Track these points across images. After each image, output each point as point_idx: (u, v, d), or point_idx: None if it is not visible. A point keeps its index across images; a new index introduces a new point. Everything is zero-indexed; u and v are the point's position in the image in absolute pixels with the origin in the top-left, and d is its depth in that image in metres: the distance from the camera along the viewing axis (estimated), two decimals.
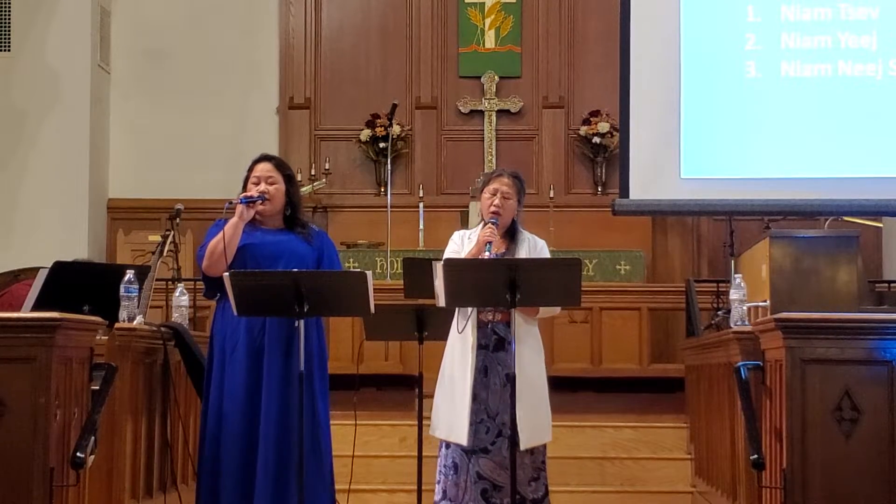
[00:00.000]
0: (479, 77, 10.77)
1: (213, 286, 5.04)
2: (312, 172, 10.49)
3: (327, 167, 10.51)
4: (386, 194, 10.09)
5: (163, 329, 5.40)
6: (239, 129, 10.67)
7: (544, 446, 5.24)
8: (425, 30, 10.83)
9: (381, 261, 9.52)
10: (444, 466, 5.22)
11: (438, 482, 5.25)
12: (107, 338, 4.85)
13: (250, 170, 5.13)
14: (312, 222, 5.37)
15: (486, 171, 9.87)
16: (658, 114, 7.26)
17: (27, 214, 10.06)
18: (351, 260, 9.45)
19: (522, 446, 5.08)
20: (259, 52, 10.85)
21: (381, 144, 10.40)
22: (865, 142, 7.14)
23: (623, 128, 7.39)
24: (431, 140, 10.77)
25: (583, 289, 4.91)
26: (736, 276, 5.65)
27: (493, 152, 10.64)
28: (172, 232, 6.58)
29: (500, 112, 10.74)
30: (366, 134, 10.53)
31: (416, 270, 6.26)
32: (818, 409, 4.26)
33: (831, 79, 7.16)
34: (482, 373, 5.17)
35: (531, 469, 5.19)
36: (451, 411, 5.16)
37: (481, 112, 10.76)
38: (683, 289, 7.81)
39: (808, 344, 4.28)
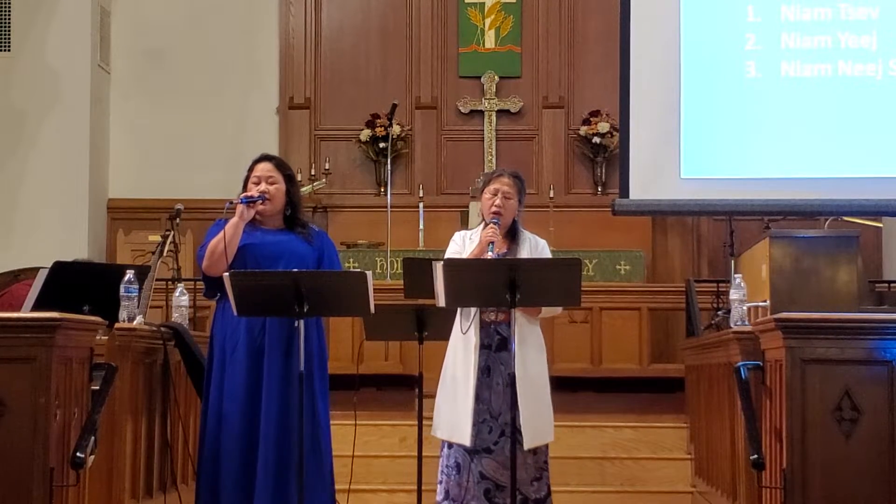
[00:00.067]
0: (479, 77, 10.77)
1: (213, 286, 5.04)
2: (312, 172, 10.49)
3: (327, 167, 10.51)
4: (386, 194, 10.09)
5: (163, 329, 5.40)
6: (239, 129, 10.67)
7: (546, 446, 5.24)
8: (425, 30, 10.83)
9: (381, 261, 9.52)
10: (447, 467, 5.22)
11: (440, 482, 5.25)
12: (107, 338, 4.85)
13: (250, 170, 5.13)
14: (312, 222, 5.37)
15: (486, 171, 9.87)
16: (658, 114, 7.26)
17: (27, 214, 10.06)
18: (351, 260, 9.45)
19: (526, 446, 5.09)
20: (259, 52, 10.85)
21: (381, 144, 10.40)
22: (865, 142, 7.14)
23: (623, 128, 7.39)
24: (431, 140, 10.77)
25: (583, 289, 4.91)
26: (736, 276, 5.65)
27: (493, 152, 10.64)
28: (172, 232, 6.58)
29: (500, 112, 10.74)
30: (366, 134, 10.53)
31: (416, 270, 6.26)
32: (818, 409, 4.26)
33: (831, 79, 7.16)
34: (485, 373, 5.17)
35: (534, 469, 5.18)
36: (454, 412, 5.16)
37: (481, 112, 10.76)
38: (683, 289, 7.81)
39: (808, 344, 4.28)
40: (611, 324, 8.54)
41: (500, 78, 10.75)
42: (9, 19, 10.17)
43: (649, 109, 7.28)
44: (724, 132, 7.26)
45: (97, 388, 4.53)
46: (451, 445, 5.21)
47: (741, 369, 4.80)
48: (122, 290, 5.03)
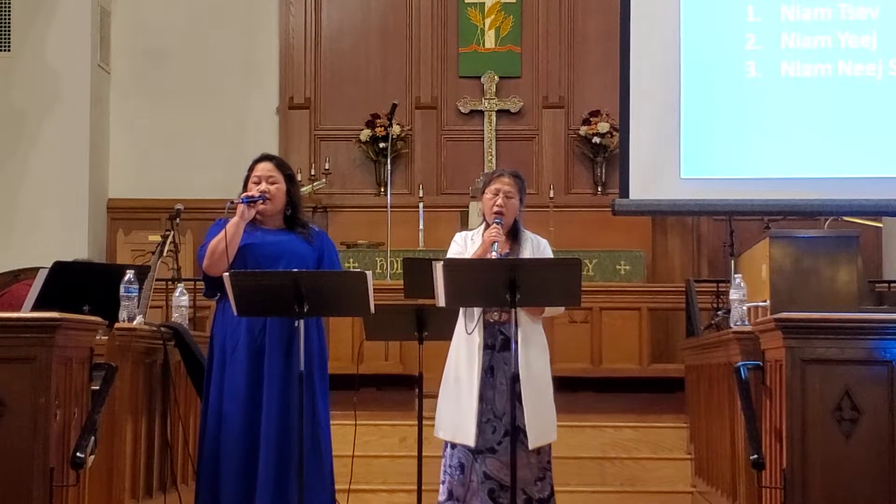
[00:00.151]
0: (479, 77, 10.78)
1: (213, 286, 5.04)
2: (312, 172, 10.49)
3: (327, 167, 10.51)
4: (386, 194, 10.09)
5: (163, 329, 5.40)
6: (239, 129, 10.67)
7: (549, 446, 5.24)
8: (425, 30, 10.83)
9: (381, 261, 9.52)
10: (450, 467, 5.21)
11: (443, 482, 5.24)
12: (107, 338, 4.85)
13: (251, 169, 5.13)
14: (312, 222, 5.37)
15: (486, 171, 9.87)
16: (658, 114, 7.26)
17: (27, 214, 10.07)
18: (351, 260, 9.45)
19: (531, 446, 5.09)
20: (259, 52, 10.86)
21: (381, 144, 10.40)
22: (865, 142, 7.14)
23: (623, 128, 7.39)
24: (431, 140, 10.77)
25: (583, 289, 4.91)
26: (736, 276, 5.65)
27: (493, 152, 10.64)
28: (172, 232, 6.58)
29: (500, 112, 10.74)
30: (366, 134, 10.53)
31: (416, 270, 6.26)
32: (818, 409, 4.26)
33: (831, 79, 7.16)
34: (488, 373, 5.17)
35: (537, 469, 5.18)
36: (457, 412, 5.15)
37: (481, 112, 10.76)
38: (683, 289, 7.81)
39: (808, 344, 4.28)
40: (611, 324, 8.54)
41: (500, 78, 10.75)
42: (9, 19, 10.17)
43: (649, 109, 7.28)
44: (724, 132, 7.26)
45: (97, 388, 4.52)
46: (454, 445, 5.20)
47: (741, 369, 4.80)
48: (122, 290, 5.03)
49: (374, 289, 4.71)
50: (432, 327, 5.46)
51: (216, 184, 9.55)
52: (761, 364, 4.73)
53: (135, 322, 5.04)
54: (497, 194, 5.24)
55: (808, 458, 4.25)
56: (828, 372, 4.27)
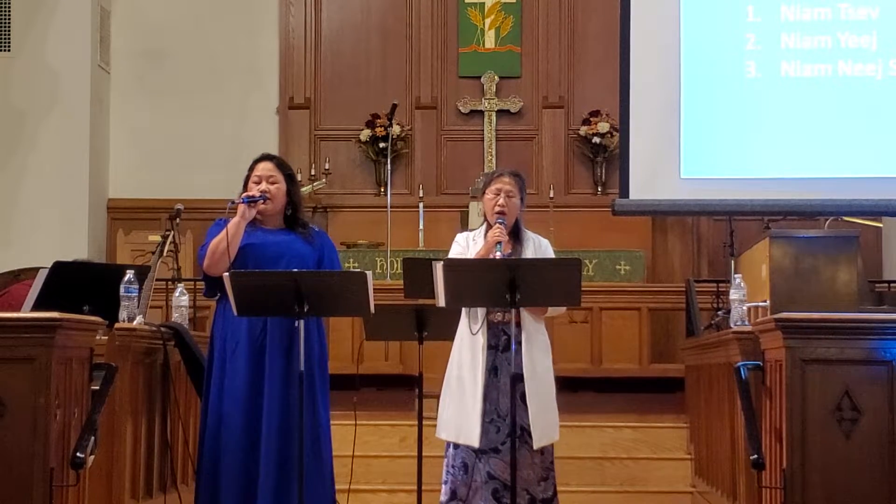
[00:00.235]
0: (479, 77, 10.78)
1: (213, 286, 5.04)
2: (312, 172, 10.49)
3: (327, 167, 10.51)
4: (386, 194, 10.09)
5: (163, 329, 5.40)
6: (239, 129, 10.67)
7: (552, 446, 5.24)
8: (425, 30, 10.84)
9: (381, 261, 9.52)
10: (453, 467, 5.21)
11: (446, 482, 5.23)
12: (107, 338, 4.85)
13: (251, 169, 5.13)
14: (313, 222, 5.37)
15: (486, 171, 9.88)
16: (658, 114, 7.26)
17: (27, 214, 10.07)
18: (351, 260, 9.45)
19: (535, 445, 5.10)
20: (259, 52, 10.86)
21: (381, 144, 10.40)
22: (865, 142, 7.14)
23: (623, 128, 7.39)
24: (431, 140, 10.77)
25: (583, 289, 4.91)
26: (736, 276, 5.65)
27: (493, 152, 10.64)
28: (172, 232, 6.58)
29: (500, 112, 10.74)
30: (366, 134, 10.53)
31: (416, 270, 6.26)
32: (818, 409, 4.26)
33: (831, 79, 7.15)
34: (492, 373, 5.17)
35: (541, 469, 5.18)
36: (461, 412, 5.15)
37: (481, 112, 10.76)
38: (683, 289, 7.81)
39: (808, 344, 4.28)
40: (611, 324, 8.54)
41: (500, 78, 10.75)
42: (9, 19, 10.17)
43: (649, 109, 7.28)
44: (724, 132, 7.26)
45: (97, 388, 4.52)
46: (456, 446, 5.20)
47: (741, 369, 4.80)
48: (122, 290, 5.03)
49: (374, 289, 4.71)
50: (432, 327, 5.45)
51: (216, 184, 9.55)
52: (761, 364, 4.73)
53: (135, 322, 5.04)
54: (498, 194, 5.24)
55: (808, 458, 4.25)
56: (828, 372, 4.27)
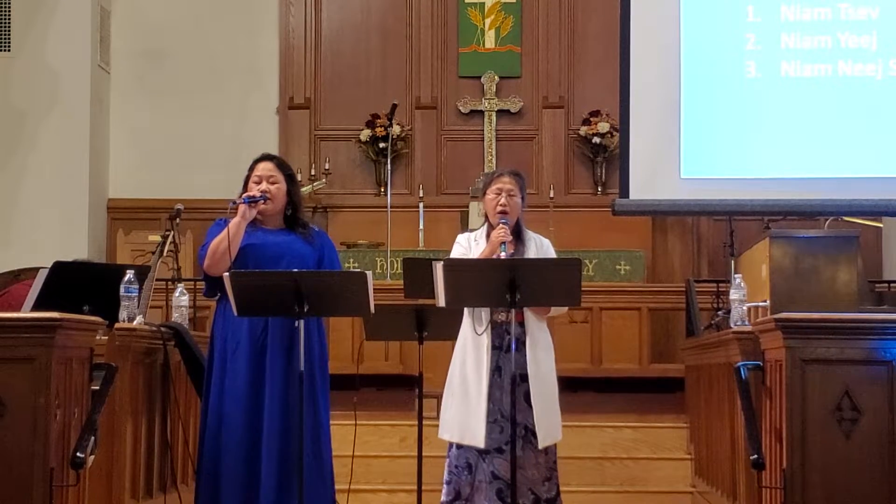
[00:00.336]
0: (479, 77, 10.78)
1: (213, 286, 5.04)
2: (312, 172, 10.49)
3: (327, 167, 10.51)
4: (386, 194, 10.10)
5: (163, 329, 5.40)
6: (239, 129, 10.67)
7: (555, 446, 5.24)
8: (425, 30, 10.84)
9: (381, 261, 9.52)
10: (456, 467, 5.20)
11: (448, 482, 5.22)
12: (107, 338, 4.85)
13: (251, 169, 5.13)
14: (313, 222, 5.37)
15: (486, 171, 9.88)
16: (658, 114, 7.26)
17: (27, 214, 10.07)
18: (351, 260, 9.45)
19: (540, 445, 5.10)
20: (259, 52, 10.86)
21: (381, 144, 10.40)
22: (865, 142, 7.14)
23: (623, 128, 7.39)
24: (431, 140, 10.77)
25: (583, 289, 4.91)
26: (736, 276, 5.65)
27: (493, 152, 10.64)
28: (172, 232, 6.58)
29: (500, 112, 10.74)
30: (366, 134, 10.53)
31: (416, 270, 6.27)
32: (818, 409, 4.26)
33: (831, 79, 7.15)
34: (496, 373, 5.16)
35: (545, 468, 5.18)
36: (465, 413, 5.14)
37: (481, 112, 10.76)
38: (683, 289, 7.81)
39: (808, 344, 4.28)
40: (611, 324, 8.54)
41: (500, 78, 10.75)
42: (9, 19, 10.17)
43: (649, 109, 7.28)
44: (724, 132, 7.26)
45: (97, 388, 4.52)
46: (459, 446, 5.19)
47: (741, 369, 4.80)
48: (122, 290, 5.03)
49: (374, 289, 4.71)
50: (432, 327, 5.46)
51: (216, 184, 9.55)
52: (761, 364, 4.73)
53: (135, 322, 5.04)
54: (499, 194, 5.23)
55: (808, 458, 4.25)
56: (828, 372, 4.27)
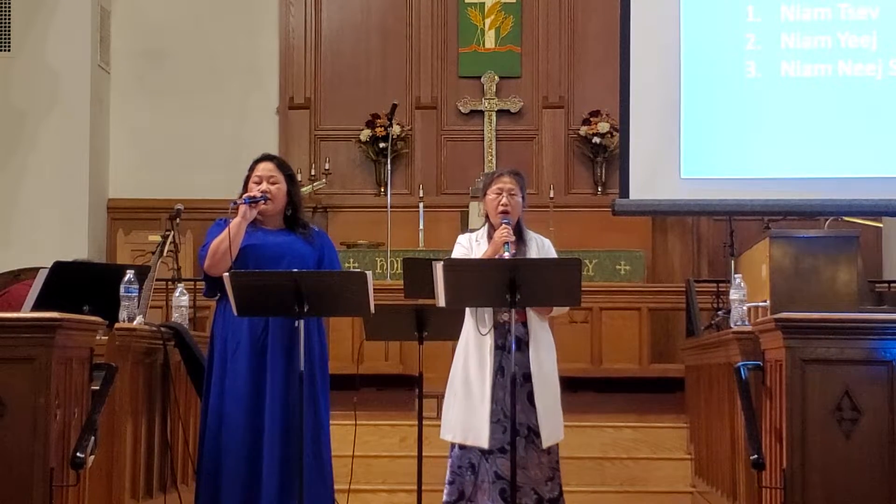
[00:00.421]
0: (479, 77, 10.78)
1: (213, 286, 5.04)
2: (312, 172, 10.49)
3: (327, 167, 10.51)
4: (386, 194, 10.10)
5: (163, 329, 5.40)
6: (239, 129, 10.67)
7: (558, 445, 5.24)
8: (425, 30, 10.84)
9: (381, 261, 9.52)
10: (459, 467, 5.19)
11: (451, 482, 5.20)
12: (107, 338, 4.85)
13: (252, 169, 5.13)
14: (313, 222, 5.37)
15: (486, 171, 9.88)
16: (658, 114, 7.26)
17: (27, 214, 10.07)
18: (351, 260, 9.45)
19: (543, 444, 5.11)
20: (259, 52, 10.86)
21: (381, 144, 10.40)
22: (865, 142, 7.14)
23: (623, 128, 7.39)
24: (431, 140, 10.77)
25: (583, 289, 4.91)
26: (736, 276, 5.65)
27: (493, 152, 10.64)
28: (172, 232, 6.58)
29: (500, 112, 10.74)
30: (366, 134, 10.53)
31: (416, 270, 6.27)
32: (818, 409, 4.26)
33: (831, 79, 7.15)
34: (499, 374, 5.16)
35: (548, 468, 5.18)
36: (469, 413, 5.13)
37: (481, 112, 10.76)
38: (683, 289, 7.81)
39: (808, 344, 4.28)
40: (611, 324, 8.54)
41: (500, 78, 10.75)
42: (9, 19, 10.17)
43: (649, 109, 7.28)
44: (724, 132, 7.26)
45: (97, 388, 4.52)
46: (462, 446, 5.19)
47: (741, 369, 4.80)
48: (122, 290, 5.03)
49: (374, 289, 4.71)
50: (432, 327, 5.46)
51: (216, 184, 9.55)
52: (761, 364, 4.73)
53: (135, 322, 5.04)
54: (500, 194, 5.23)
55: (808, 458, 4.25)
56: (828, 372, 4.27)
